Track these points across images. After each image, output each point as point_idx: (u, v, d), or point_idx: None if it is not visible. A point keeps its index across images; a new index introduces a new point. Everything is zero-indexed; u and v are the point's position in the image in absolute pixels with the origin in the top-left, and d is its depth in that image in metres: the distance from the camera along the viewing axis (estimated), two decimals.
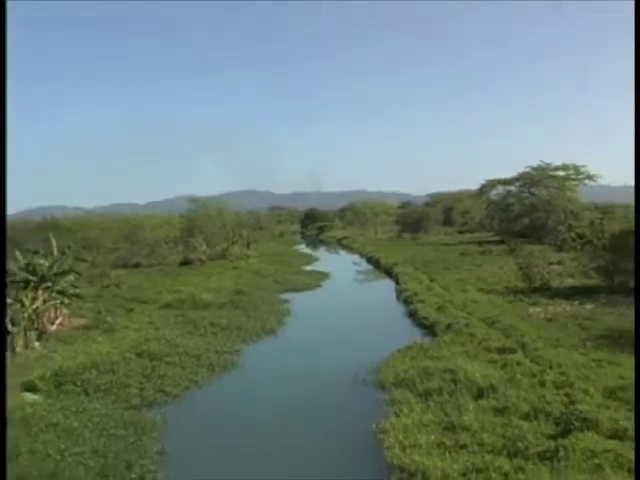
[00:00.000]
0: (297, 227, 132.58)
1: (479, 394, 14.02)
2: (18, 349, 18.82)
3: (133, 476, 10.58)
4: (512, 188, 66.75)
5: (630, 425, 11.12)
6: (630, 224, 31.74)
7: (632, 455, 9.95)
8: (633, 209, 43.21)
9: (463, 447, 11.12)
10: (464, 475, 9.96)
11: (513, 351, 17.58)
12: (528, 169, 64.73)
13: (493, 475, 9.74)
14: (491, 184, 69.99)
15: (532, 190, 64.21)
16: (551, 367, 15.63)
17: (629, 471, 9.56)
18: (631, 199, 57.21)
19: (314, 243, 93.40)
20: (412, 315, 26.23)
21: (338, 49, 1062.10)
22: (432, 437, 11.67)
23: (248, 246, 58.93)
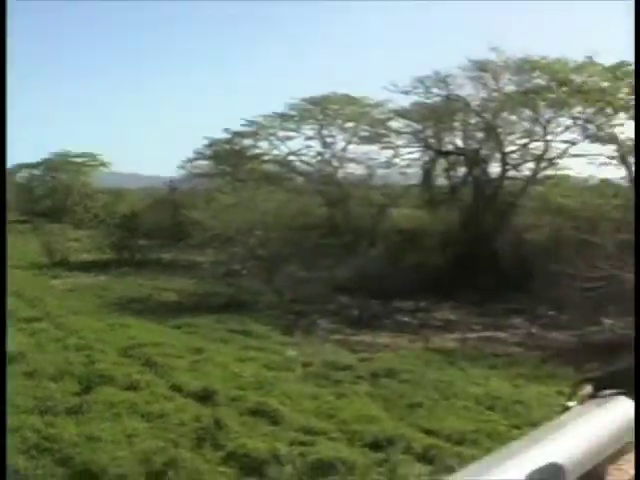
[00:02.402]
0: None
1: (10, 361, 13.56)
2: None
3: None
4: (37, 172, 64.21)
5: (142, 377, 11.98)
6: (138, 206, 33.68)
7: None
8: (144, 192, 45.58)
9: None
10: None
11: (39, 320, 17.21)
12: (51, 155, 62.96)
13: (27, 433, 9.69)
14: (18, 168, 66.09)
15: (53, 175, 62.79)
16: (73, 332, 15.78)
17: (142, 416, 10.32)
18: (138, 185, 59.90)
19: None
20: None
21: None
22: None
23: None
